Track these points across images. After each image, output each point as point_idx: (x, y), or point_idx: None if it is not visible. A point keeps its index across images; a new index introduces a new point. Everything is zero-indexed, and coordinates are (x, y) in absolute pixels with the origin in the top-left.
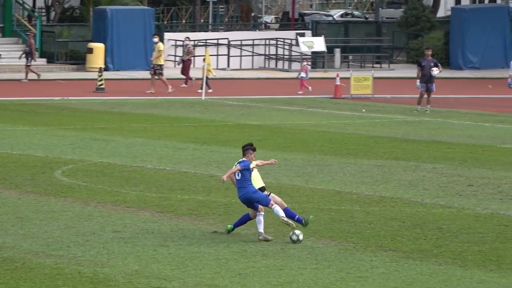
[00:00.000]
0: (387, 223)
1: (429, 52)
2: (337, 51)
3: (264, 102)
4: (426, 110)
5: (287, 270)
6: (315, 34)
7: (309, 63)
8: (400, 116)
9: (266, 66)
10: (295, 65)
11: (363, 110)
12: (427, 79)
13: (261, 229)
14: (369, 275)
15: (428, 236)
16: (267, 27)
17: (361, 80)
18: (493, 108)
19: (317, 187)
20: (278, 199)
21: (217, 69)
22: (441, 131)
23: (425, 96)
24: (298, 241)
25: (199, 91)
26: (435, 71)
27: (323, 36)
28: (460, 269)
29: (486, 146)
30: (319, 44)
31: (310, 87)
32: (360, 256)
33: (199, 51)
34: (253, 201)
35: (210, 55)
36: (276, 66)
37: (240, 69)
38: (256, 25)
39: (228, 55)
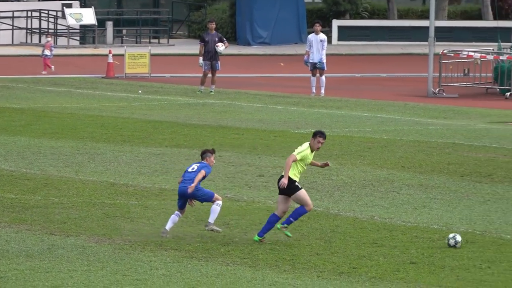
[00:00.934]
0: (167, 219)
1: (213, 26)
2: (109, 25)
3: (26, 82)
4: (211, 91)
5: (54, 273)
6: (83, 5)
7: (49, 39)
8: (182, 98)
9: (28, 41)
10: (62, 40)
11: (140, 91)
12: (211, 56)
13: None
14: (148, 277)
15: (214, 234)
16: None
17: (137, 57)
18: (286, 89)
19: (88, 179)
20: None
21: None
22: (228, 114)
23: (209, 75)
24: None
25: None
26: (220, 47)
27: (92, 7)
28: (250, 269)
29: (278, 131)
30: (88, 16)
31: (53, 67)
32: (138, 256)
33: None
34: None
35: None
36: (39, 41)
37: None
38: None
39: None
